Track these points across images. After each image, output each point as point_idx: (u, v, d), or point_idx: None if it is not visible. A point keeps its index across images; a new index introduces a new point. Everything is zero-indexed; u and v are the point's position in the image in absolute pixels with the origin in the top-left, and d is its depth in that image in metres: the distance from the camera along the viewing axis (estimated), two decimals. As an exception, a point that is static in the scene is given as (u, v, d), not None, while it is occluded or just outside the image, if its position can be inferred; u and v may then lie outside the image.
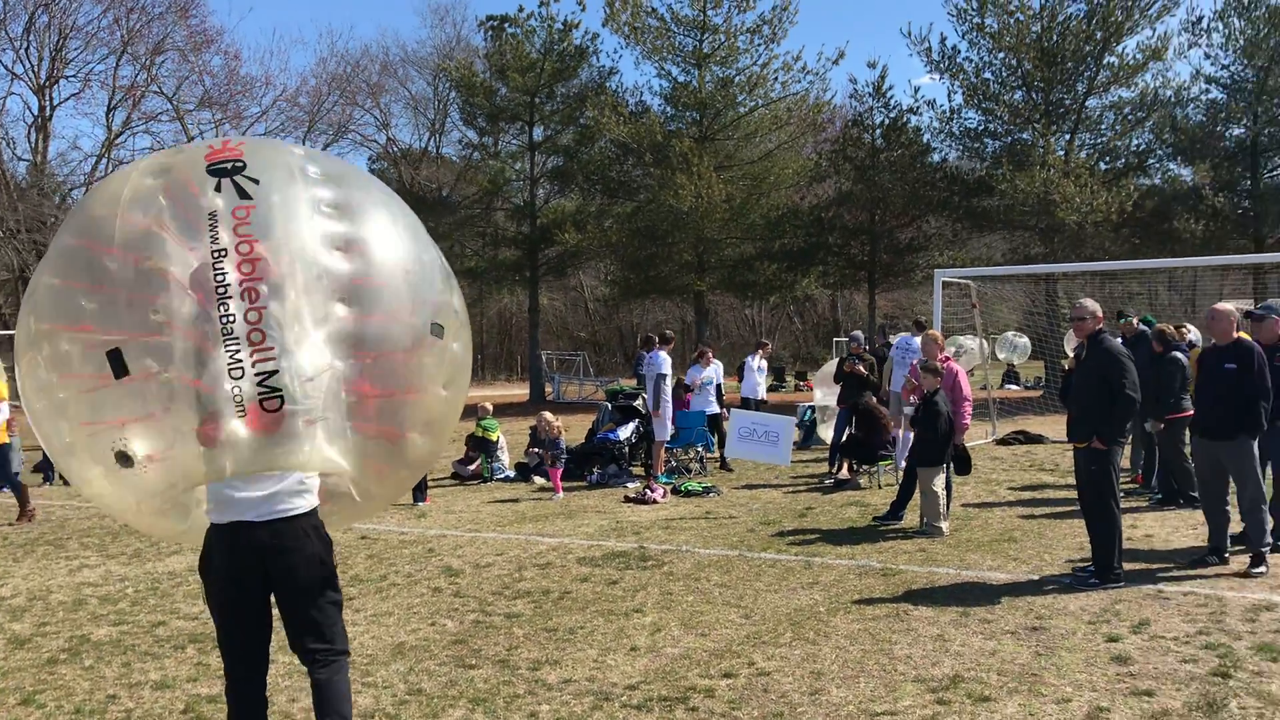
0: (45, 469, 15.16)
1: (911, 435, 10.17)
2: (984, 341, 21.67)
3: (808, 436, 17.27)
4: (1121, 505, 7.52)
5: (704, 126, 32.76)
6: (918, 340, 12.37)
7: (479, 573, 8.26)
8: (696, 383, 14.37)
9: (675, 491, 12.35)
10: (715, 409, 14.53)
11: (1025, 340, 33.80)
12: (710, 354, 14.98)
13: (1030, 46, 28.52)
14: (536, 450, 13.91)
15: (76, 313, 3.79)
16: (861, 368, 13.66)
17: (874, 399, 13.16)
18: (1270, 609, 6.53)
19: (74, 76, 42.59)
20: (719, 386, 14.87)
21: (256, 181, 3.97)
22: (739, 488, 12.80)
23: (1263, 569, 7.45)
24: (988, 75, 30.25)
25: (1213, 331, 7.85)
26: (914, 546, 8.87)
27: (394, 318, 4.06)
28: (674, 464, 13.89)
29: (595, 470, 13.71)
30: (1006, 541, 8.93)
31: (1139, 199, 28.37)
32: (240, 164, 4.01)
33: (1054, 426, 17.72)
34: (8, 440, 11.29)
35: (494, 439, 14.28)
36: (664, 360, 12.92)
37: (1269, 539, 7.64)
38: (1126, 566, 7.42)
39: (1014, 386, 33.30)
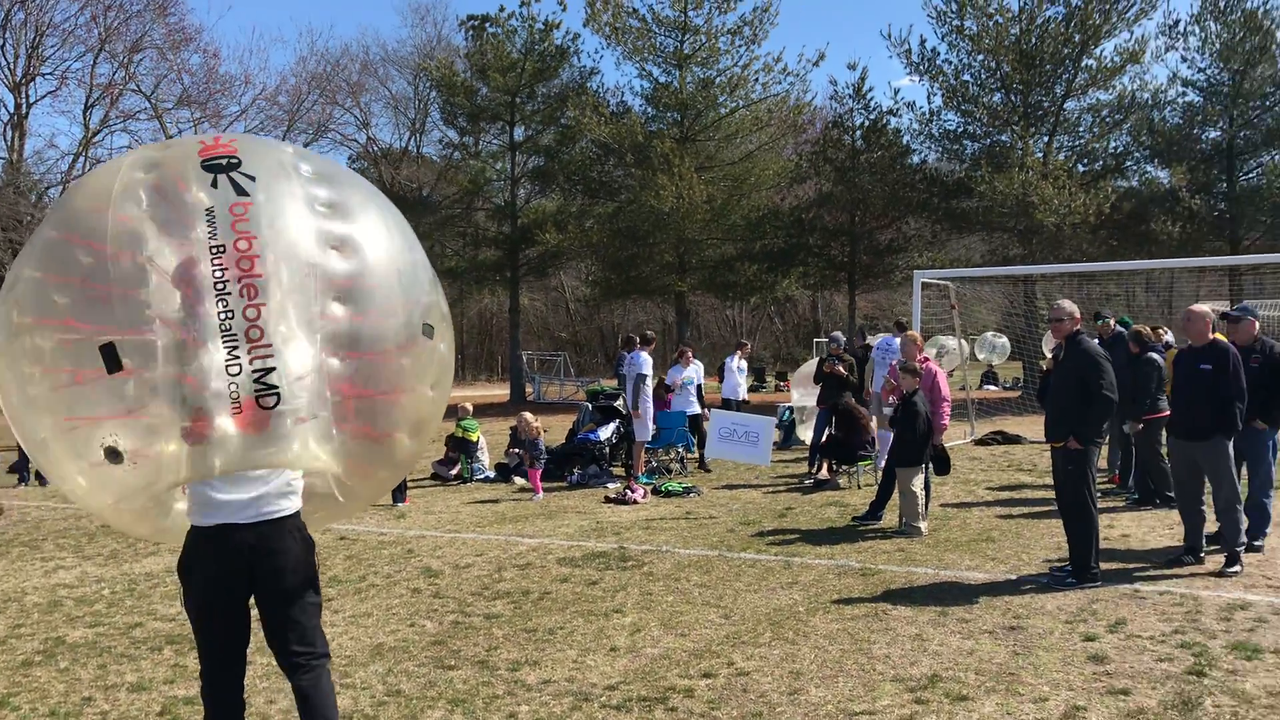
0: (21, 469, 14.99)
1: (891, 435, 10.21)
2: (963, 342, 21.80)
3: (787, 437, 17.32)
4: (1098, 505, 7.59)
5: (685, 127, 32.81)
6: (899, 341, 12.41)
7: (458, 573, 8.24)
8: (677, 383, 14.37)
9: (655, 492, 12.35)
10: (696, 409, 14.54)
11: (1004, 340, 34.01)
12: (691, 354, 14.97)
13: (1009, 49, 28.71)
14: (517, 451, 13.89)
15: (61, 307, 3.73)
16: (841, 368, 13.68)
17: (853, 399, 13.20)
18: (1244, 608, 6.59)
19: (51, 74, 42.06)
20: (700, 387, 14.87)
21: (253, 178, 3.93)
22: (719, 488, 12.82)
23: (1237, 568, 7.52)
24: (967, 77, 30.46)
25: (1189, 333, 7.91)
26: (893, 546, 8.90)
27: (387, 317, 4.04)
28: (654, 464, 13.90)
29: (575, 471, 13.68)
30: (984, 541, 8.98)
31: (1116, 201, 28.63)
32: (235, 160, 3.98)
33: (1032, 427, 17.83)
34: None
35: (474, 439, 14.26)
36: (645, 360, 12.94)
37: (1243, 539, 7.71)
38: (1103, 566, 7.48)
39: (992, 387, 33.49)
